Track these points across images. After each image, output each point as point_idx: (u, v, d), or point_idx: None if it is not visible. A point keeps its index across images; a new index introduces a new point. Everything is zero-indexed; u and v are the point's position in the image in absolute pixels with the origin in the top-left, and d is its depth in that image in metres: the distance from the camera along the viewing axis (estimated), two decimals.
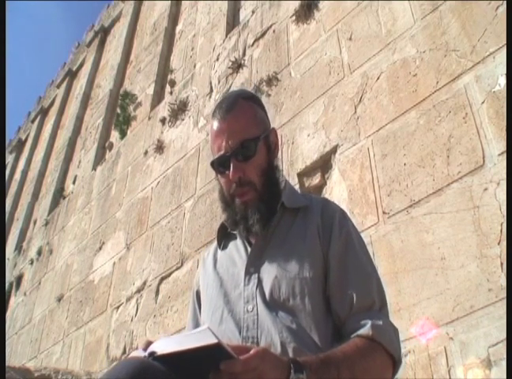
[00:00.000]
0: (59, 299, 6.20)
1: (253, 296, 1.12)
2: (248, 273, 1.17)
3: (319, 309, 1.10)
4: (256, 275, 1.16)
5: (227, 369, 0.85)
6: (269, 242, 1.21)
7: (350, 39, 3.70)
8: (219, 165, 1.22)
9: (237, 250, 1.25)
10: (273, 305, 1.10)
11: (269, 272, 1.15)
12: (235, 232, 1.28)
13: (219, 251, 1.31)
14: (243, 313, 1.11)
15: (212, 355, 0.85)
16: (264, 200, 1.20)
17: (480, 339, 2.15)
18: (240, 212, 1.20)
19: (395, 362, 1.08)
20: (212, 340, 0.83)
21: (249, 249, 1.22)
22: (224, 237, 1.32)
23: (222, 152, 1.20)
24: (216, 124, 1.23)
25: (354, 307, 1.09)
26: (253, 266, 1.18)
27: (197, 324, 1.30)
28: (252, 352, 0.88)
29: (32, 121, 12.21)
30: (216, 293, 1.20)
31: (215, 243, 1.35)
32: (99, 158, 7.32)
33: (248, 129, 1.22)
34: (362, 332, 1.05)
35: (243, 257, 1.22)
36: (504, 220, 2.27)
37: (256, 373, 0.86)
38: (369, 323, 1.05)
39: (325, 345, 1.05)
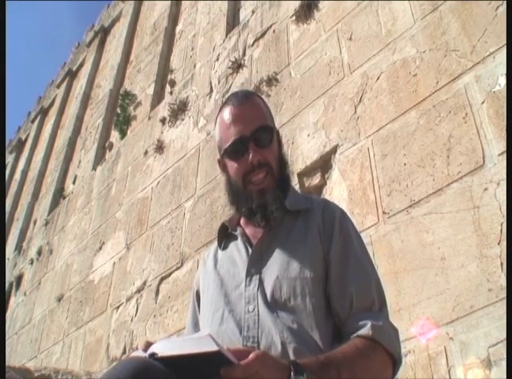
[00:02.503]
0: (59, 299, 6.19)
1: (254, 297, 1.12)
2: (249, 274, 1.17)
3: (320, 308, 1.10)
4: (257, 276, 1.16)
5: (227, 375, 0.85)
6: (270, 243, 1.20)
7: (350, 39, 3.70)
8: (233, 150, 1.21)
9: (238, 251, 1.25)
10: (274, 305, 1.10)
11: (270, 272, 1.15)
12: (235, 233, 1.28)
13: (219, 251, 1.31)
14: (244, 314, 1.11)
15: (212, 361, 0.85)
16: (280, 187, 1.21)
17: (479, 339, 2.15)
18: (257, 199, 1.19)
19: (395, 361, 1.08)
20: (213, 348, 0.83)
21: (250, 249, 1.22)
22: (224, 237, 1.32)
23: (239, 136, 1.19)
24: (230, 111, 1.23)
25: (354, 307, 1.10)
26: (254, 267, 1.17)
27: (196, 324, 1.30)
28: (251, 356, 0.87)
29: (32, 121, 12.21)
30: (216, 293, 1.20)
31: (215, 243, 1.35)
32: (99, 158, 7.32)
33: (264, 118, 1.25)
34: (362, 332, 1.05)
35: (244, 258, 1.21)
36: (504, 220, 2.27)
37: (256, 378, 0.86)
38: (369, 323, 1.06)
39: (325, 345, 1.06)
